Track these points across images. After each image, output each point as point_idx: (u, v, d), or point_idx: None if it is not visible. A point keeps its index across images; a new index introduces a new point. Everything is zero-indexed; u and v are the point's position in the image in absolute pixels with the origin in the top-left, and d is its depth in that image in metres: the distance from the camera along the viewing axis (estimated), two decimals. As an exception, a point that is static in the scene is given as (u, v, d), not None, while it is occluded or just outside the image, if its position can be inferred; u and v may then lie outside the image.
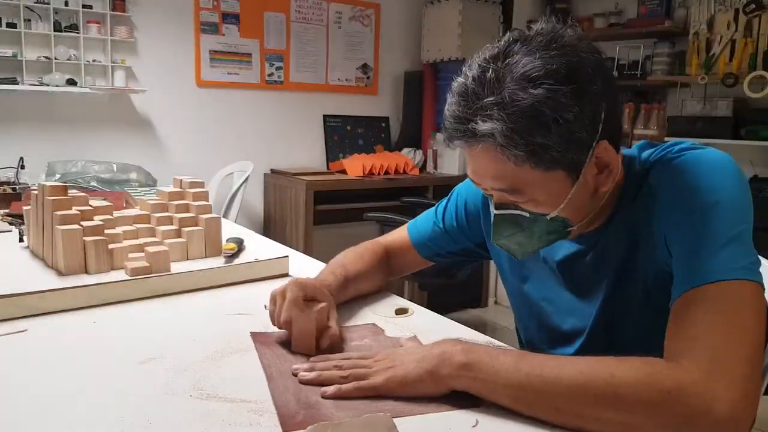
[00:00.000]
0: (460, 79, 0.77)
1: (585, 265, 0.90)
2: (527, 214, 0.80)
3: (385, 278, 1.17)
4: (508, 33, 0.78)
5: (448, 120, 0.77)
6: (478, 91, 0.74)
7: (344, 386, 0.75)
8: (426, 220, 1.15)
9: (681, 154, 0.81)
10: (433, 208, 1.16)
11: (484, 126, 0.72)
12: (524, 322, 1.07)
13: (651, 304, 0.83)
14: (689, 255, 0.73)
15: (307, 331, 0.86)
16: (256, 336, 0.92)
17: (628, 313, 0.87)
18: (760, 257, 1.04)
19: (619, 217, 0.86)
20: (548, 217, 0.80)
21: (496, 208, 0.82)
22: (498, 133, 0.72)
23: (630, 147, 0.91)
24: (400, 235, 1.18)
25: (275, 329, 0.91)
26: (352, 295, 1.08)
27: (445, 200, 1.14)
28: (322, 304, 0.90)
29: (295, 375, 0.79)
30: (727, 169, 0.77)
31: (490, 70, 0.73)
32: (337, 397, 0.74)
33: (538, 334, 1.03)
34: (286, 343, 0.89)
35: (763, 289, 0.70)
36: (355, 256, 1.12)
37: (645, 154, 0.86)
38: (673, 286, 0.74)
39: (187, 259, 1.33)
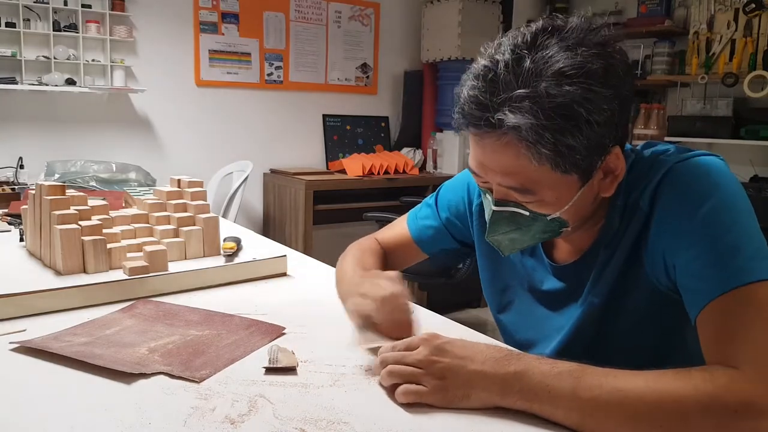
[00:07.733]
0: (484, 63, 0.72)
1: (571, 299, 0.89)
2: (527, 213, 0.77)
3: None
4: (539, 21, 0.74)
5: (467, 104, 0.72)
6: (509, 80, 0.68)
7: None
8: (426, 216, 1.12)
9: (666, 170, 0.77)
10: (429, 201, 1.12)
11: (513, 118, 0.68)
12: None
13: (642, 324, 0.82)
14: (711, 261, 0.70)
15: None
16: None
17: (617, 336, 0.85)
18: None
19: (604, 246, 0.84)
20: (549, 218, 0.78)
21: (495, 205, 0.79)
22: (527, 128, 0.67)
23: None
24: (398, 231, 1.14)
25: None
26: None
27: (434, 197, 1.11)
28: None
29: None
30: (720, 172, 0.75)
31: (528, 60, 0.68)
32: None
33: None
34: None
35: None
36: (364, 254, 1.07)
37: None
38: (694, 294, 0.71)
39: (186, 259, 1.33)
